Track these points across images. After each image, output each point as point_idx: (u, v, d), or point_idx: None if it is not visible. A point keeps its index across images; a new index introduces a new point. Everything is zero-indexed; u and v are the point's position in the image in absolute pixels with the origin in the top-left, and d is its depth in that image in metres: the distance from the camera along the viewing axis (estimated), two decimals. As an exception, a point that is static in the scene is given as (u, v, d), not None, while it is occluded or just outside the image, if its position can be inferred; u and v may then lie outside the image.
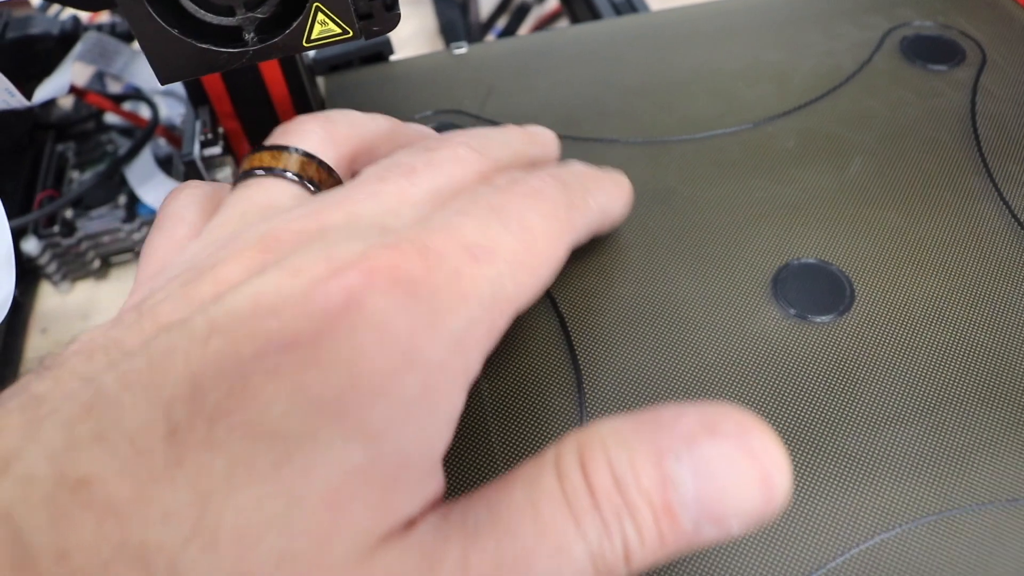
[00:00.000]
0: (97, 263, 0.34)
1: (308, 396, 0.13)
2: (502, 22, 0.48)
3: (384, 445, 0.13)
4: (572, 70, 0.29)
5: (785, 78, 0.28)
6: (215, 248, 0.16)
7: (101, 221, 0.33)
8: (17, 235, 0.31)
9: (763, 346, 0.20)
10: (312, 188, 0.18)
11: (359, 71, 0.30)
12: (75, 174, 0.35)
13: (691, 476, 0.13)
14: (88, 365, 0.13)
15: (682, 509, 0.13)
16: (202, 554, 0.11)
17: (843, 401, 0.19)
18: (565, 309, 0.21)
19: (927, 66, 0.28)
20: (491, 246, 0.16)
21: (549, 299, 0.21)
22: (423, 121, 0.27)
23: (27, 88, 0.29)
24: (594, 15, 0.37)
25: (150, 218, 0.33)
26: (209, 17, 0.18)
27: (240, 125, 0.30)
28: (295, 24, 0.19)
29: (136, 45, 0.37)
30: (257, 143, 0.19)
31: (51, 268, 0.33)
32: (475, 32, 0.47)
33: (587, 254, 0.22)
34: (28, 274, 0.34)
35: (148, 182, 0.34)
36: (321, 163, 0.18)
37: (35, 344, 0.33)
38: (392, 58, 0.31)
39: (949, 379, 0.19)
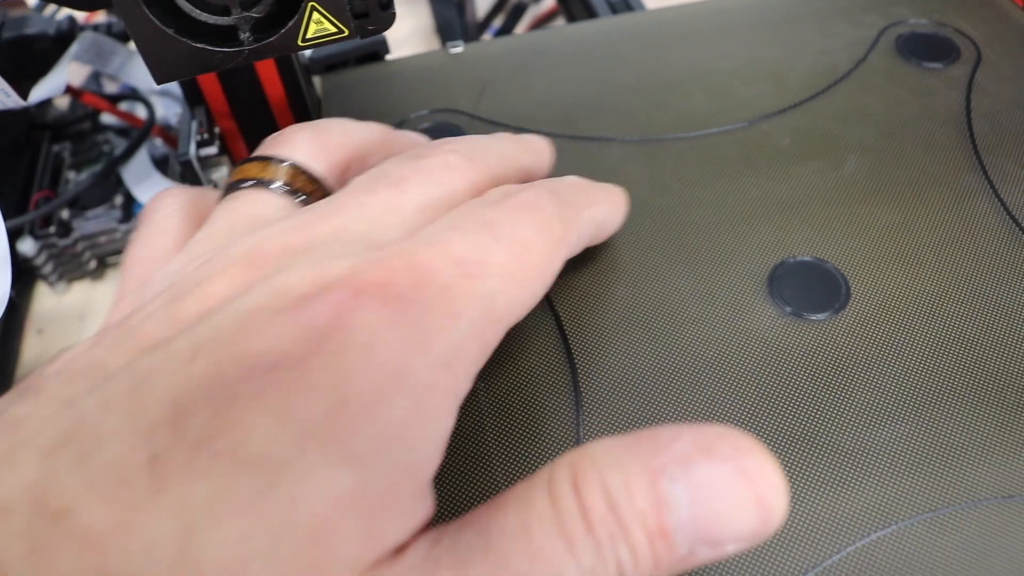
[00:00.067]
0: (93, 263, 0.34)
1: (293, 420, 0.12)
2: (498, 21, 0.48)
3: (372, 470, 0.13)
4: (568, 69, 0.29)
5: (781, 76, 0.28)
6: (200, 263, 0.16)
7: (97, 221, 0.33)
8: (13, 236, 0.31)
9: (759, 344, 0.20)
10: (301, 199, 0.18)
11: (355, 70, 0.30)
12: (71, 174, 0.35)
13: (686, 498, 0.13)
14: (69, 388, 0.13)
15: (677, 531, 0.13)
16: None
17: (839, 399, 0.19)
18: (560, 306, 0.21)
19: (922, 64, 0.28)
20: (483, 261, 0.15)
21: (545, 298, 0.21)
22: (419, 120, 0.27)
23: (23, 88, 0.28)
24: (590, 14, 0.37)
25: (147, 218, 0.33)
26: (204, 17, 0.18)
27: (236, 125, 0.30)
28: (290, 23, 0.19)
29: (132, 45, 0.37)
30: (253, 143, 0.19)
31: (47, 269, 0.33)
32: (471, 31, 0.47)
33: (582, 253, 0.22)
34: (24, 275, 0.33)
35: (144, 182, 0.33)
36: (311, 174, 0.18)
37: (31, 345, 0.33)
38: (388, 57, 0.31)
39: (944, 376, 0.19)
